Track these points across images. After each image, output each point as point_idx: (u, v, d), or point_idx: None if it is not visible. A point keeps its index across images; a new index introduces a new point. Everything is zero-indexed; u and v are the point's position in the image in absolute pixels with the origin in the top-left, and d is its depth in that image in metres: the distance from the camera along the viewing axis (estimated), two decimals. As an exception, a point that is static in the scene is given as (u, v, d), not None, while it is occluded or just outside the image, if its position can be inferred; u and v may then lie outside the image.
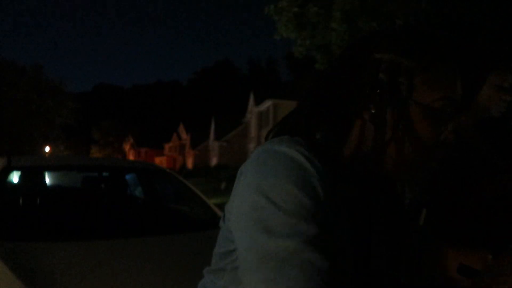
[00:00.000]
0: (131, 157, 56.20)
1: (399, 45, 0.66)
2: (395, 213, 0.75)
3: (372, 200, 0.68)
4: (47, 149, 25.92)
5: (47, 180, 3.66)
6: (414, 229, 0.83)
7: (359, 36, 0.72)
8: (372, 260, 0.65)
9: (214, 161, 34.78)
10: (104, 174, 3.45)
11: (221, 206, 0.83)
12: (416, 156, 0.66)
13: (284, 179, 0.58)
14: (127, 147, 59.95)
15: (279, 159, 0.60)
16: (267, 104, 27.21)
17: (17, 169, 3.00)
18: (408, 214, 0.82)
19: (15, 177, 3.18)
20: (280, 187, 0.57)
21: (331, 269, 0.54)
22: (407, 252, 0.74)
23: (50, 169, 3.69)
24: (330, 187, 0.60)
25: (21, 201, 2.75)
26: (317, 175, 0.59)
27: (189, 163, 42.14)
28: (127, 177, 3.63)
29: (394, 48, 0.66)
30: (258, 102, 29.07)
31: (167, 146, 54.61)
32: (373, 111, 0.65)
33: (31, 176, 3.05)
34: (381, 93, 0.65)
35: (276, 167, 0.59)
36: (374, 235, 0.67)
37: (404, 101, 0.64)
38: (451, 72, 0.66)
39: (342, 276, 0.59)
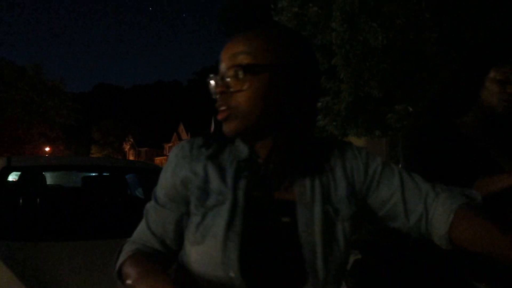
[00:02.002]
0: (131, 157, 56.15)
1: None
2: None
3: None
4: (47, 149, 25.91)
5: (47, 180, 3.66)
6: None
7: None
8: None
9: (214, 161, 34.65)
10: (104, 174, 3.45)
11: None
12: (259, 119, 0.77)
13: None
14: (127, 147, 59.91)
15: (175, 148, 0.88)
16: (267, 104, 27.15)
17: (17, 169, 3.00)
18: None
19: (15, 177, 3.18)
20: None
21: (157, 210, 0.84)
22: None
23: (50, 169, 3.69)
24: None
25: (21, 201, 2.75)
26: (189, 153, 0.83)
27: (189, 163, 41.98)
28: (127, 177, 3.63)
29: None
30: (258, 102, 29.03)
31: (167, 146, 54.56)
32: None
33: (31, 176, 3.05)
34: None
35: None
36: None
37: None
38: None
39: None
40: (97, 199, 3.10)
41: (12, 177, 3.11)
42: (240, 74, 0.75)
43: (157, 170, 3.71)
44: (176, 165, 0.83)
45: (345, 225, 0.79)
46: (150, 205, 0.86)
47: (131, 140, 58.59)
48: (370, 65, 7.61)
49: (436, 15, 6.80)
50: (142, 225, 0.85)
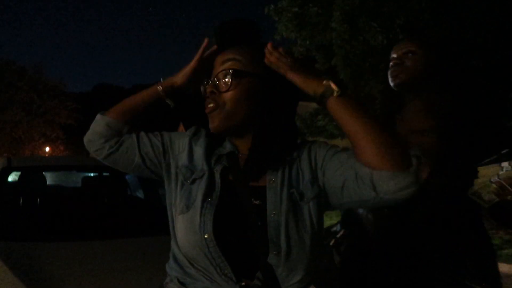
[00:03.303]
0: (131, 157, 56.02)
1: None
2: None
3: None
4: (47, 149, 25.87)
5: (47, 180, 3.66)
6: None
7: None
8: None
9: (214, 161, 34.64)
10: (104, 174, 3.45)
11: (221, 205, 0.94)
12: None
13: None
14: (127, 147, 59.78)
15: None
16: (267, 104, 27.11)
17: (17, 169, 3.00)
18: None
19: (15, 177, 3.18)
20: None
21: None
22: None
23: (50, 169, 3.70)
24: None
25: (21, 201, 2.75)
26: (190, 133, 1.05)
27: (189, 163, 41.97)
28: (127, 177, 3.63)
29: None
30: (258, 102, 29.00)
31: (167, 146, 54.59)
32: None
33: (31, 176, 3.05)
34: None
35: None
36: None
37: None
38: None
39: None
40: (97, 199, 3.10)
41: (12, 177, 3.11)
42: (229, 77, 0.90)
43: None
44: (177, 132, 1.10)
45: (310, 206, 0.89)
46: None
47: (131, 140, 58.54)
48: (370, 65, 7.61)
49: (436, 15, 6.80)
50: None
